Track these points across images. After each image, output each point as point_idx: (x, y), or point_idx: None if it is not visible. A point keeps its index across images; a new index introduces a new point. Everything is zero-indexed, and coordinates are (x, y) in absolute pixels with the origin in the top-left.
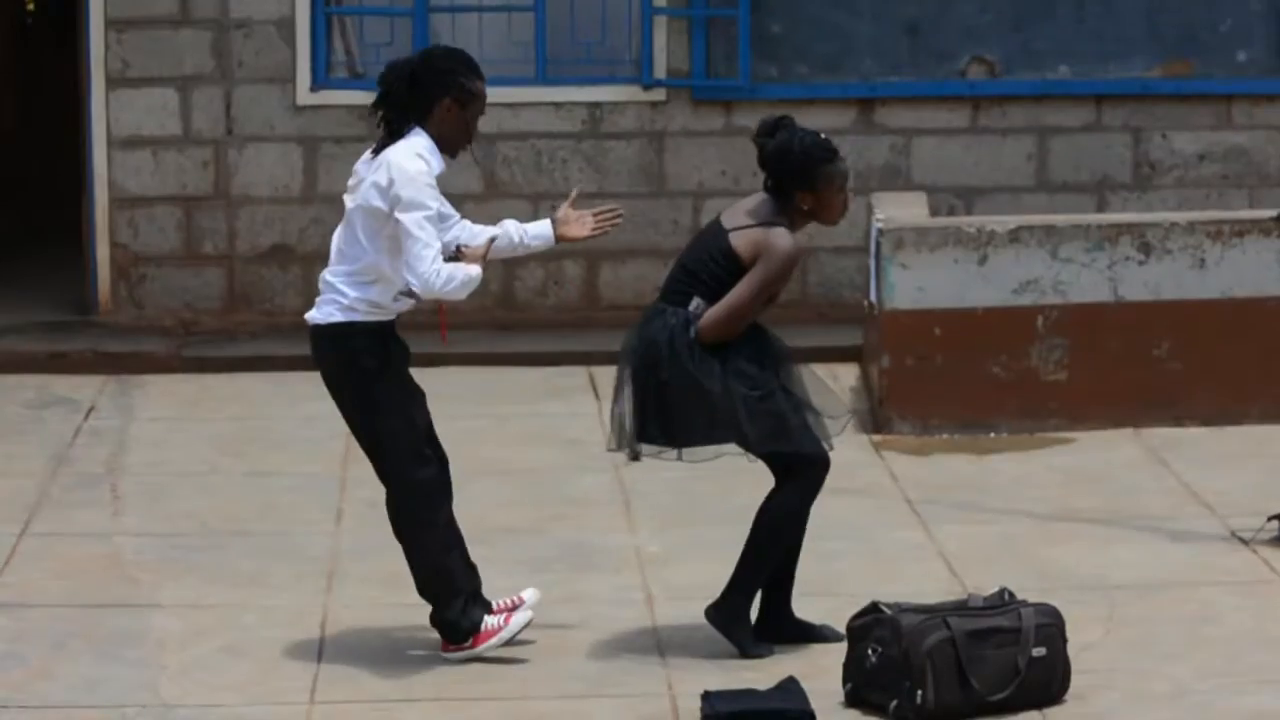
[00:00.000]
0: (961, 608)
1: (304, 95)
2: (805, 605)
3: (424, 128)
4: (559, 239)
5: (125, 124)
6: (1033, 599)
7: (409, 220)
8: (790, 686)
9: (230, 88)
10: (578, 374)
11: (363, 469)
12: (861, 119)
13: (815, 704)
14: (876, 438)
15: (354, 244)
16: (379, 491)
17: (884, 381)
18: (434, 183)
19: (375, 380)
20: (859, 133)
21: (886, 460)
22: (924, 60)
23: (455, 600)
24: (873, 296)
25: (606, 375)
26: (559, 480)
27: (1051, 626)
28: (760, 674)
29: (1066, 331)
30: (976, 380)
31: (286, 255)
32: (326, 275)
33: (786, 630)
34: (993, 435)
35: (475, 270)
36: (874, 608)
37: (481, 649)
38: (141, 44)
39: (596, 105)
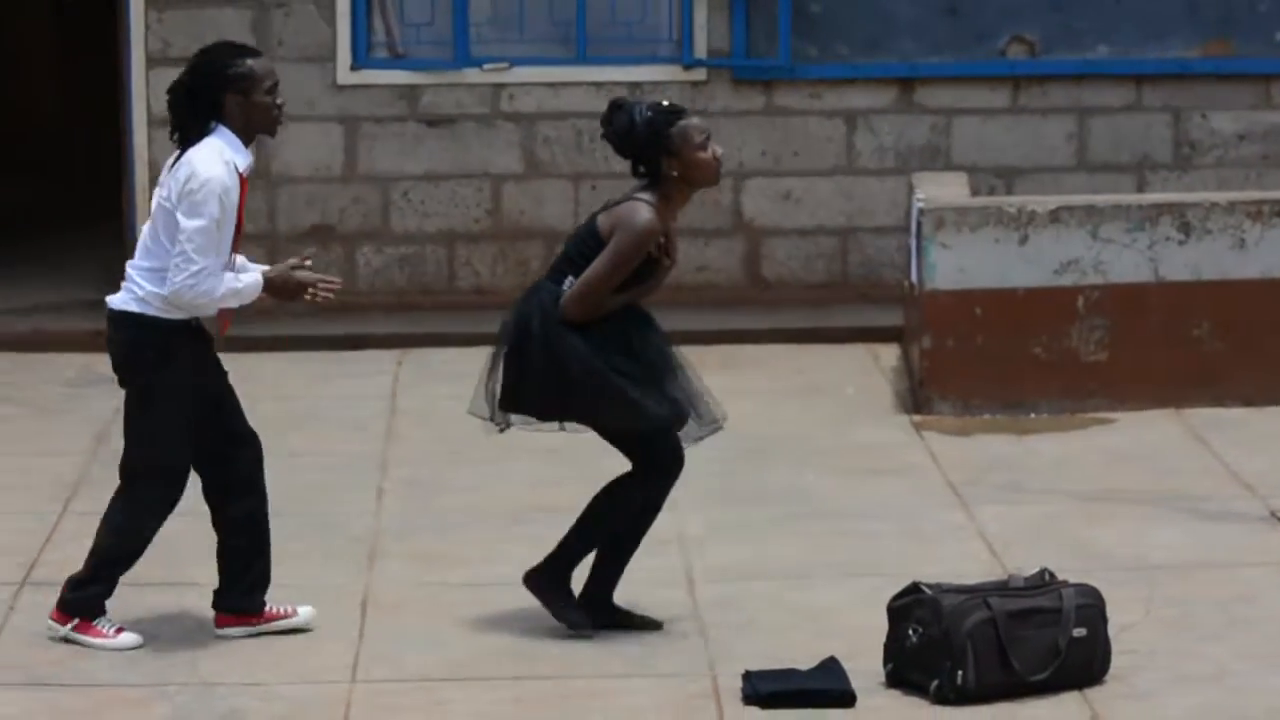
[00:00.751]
0: (1002, 588)
1: (344, 75)
2: (846, 585)
3: (224, 125)
4: (266, 292)
5: (165, 103)
6: (1073, 579)
7: (184, 223)
8: (831, 666)
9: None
10: None
11: (403, 448)
12: (902, 99)
13: (856, 684)
14: (917, 418)
15: (155, 241)
16: (419, 470)
17: (924, 362)
18: (228, 192)
19: (151, 374)
20: (899, 112)
21: (927, 441)
22: (964, 40)
23: (99, 581)
24: (913, 277)
25: None
26: (600, 460)
27: (1092, 607)
28: (801, 654)
29: (1107, 312)
30: (1017, 361)
31: (327, 235)
32: (129, 266)
33: (602, 616)
34: (1033, 416)
35: (243, 283)
36: (915, 588)
37: (77, 635)
38: (181, 23)
39: (637, 85)
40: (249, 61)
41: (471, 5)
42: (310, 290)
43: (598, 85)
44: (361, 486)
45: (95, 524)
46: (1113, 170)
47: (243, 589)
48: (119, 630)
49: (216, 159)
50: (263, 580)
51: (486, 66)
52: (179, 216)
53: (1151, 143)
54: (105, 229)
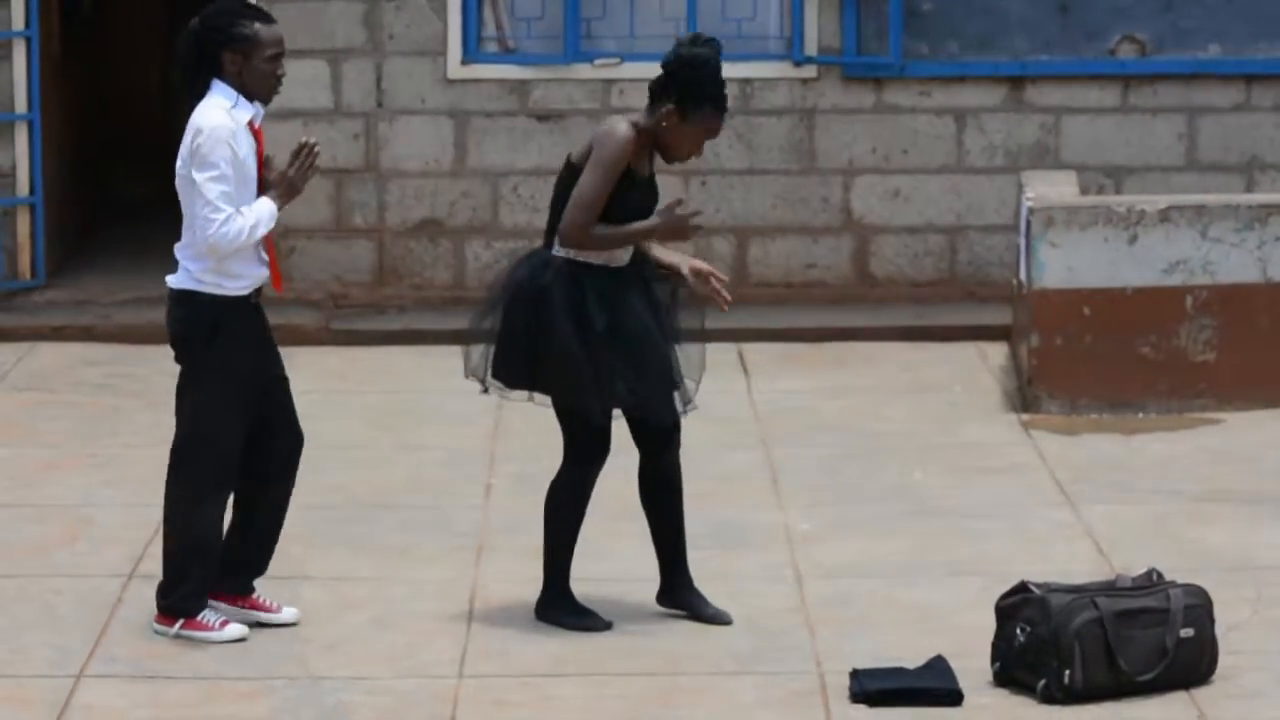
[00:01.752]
0: (1110, 588)
1: (455, 69)
2: (954, 584)
3: (224, 81)
4: (279, 199)
5: (276, 96)
6: (1180, 579)
7: (199, 178)
8: (938, 665)
9: (381, 60)
10: (727, 351)
11: (511, 443)
12: (1012, 97)
13: (963, 683)
14: (1025, 417)
15: (188, 215)
16: (527, 465)
17: (1033, 361)
18: (234, 136)
19: (201, 350)
20: (1009, 111)
21: (1035, 439)
22: (1075, 39)
23: (184, 582)
24: (1022, 275)
25: (756, 353)
26: (708, 457)
27: (1200, 607)
28: (908, 652)
29: (1215, 312)
30: (1125, 360)
31: (436, 229)
32: (176, 249)
33: (681, 598)
34: (1141, 415)
35: (255, 211)
36: (1023, 587)
37: (185, 632)
38: (293, 16)
39: (747, 82)
40: (256, 25)
41: (582, 1)
42: (301, 168)
43: None
44: (469, 481)
45: None
46: (1222, 170)
47: (230, 568)
48: (225, 623)
49: (217, 110)
50: (253, 566)
51: (597, 62)
52: (194, 175)
53: (1261, 143)
54: None
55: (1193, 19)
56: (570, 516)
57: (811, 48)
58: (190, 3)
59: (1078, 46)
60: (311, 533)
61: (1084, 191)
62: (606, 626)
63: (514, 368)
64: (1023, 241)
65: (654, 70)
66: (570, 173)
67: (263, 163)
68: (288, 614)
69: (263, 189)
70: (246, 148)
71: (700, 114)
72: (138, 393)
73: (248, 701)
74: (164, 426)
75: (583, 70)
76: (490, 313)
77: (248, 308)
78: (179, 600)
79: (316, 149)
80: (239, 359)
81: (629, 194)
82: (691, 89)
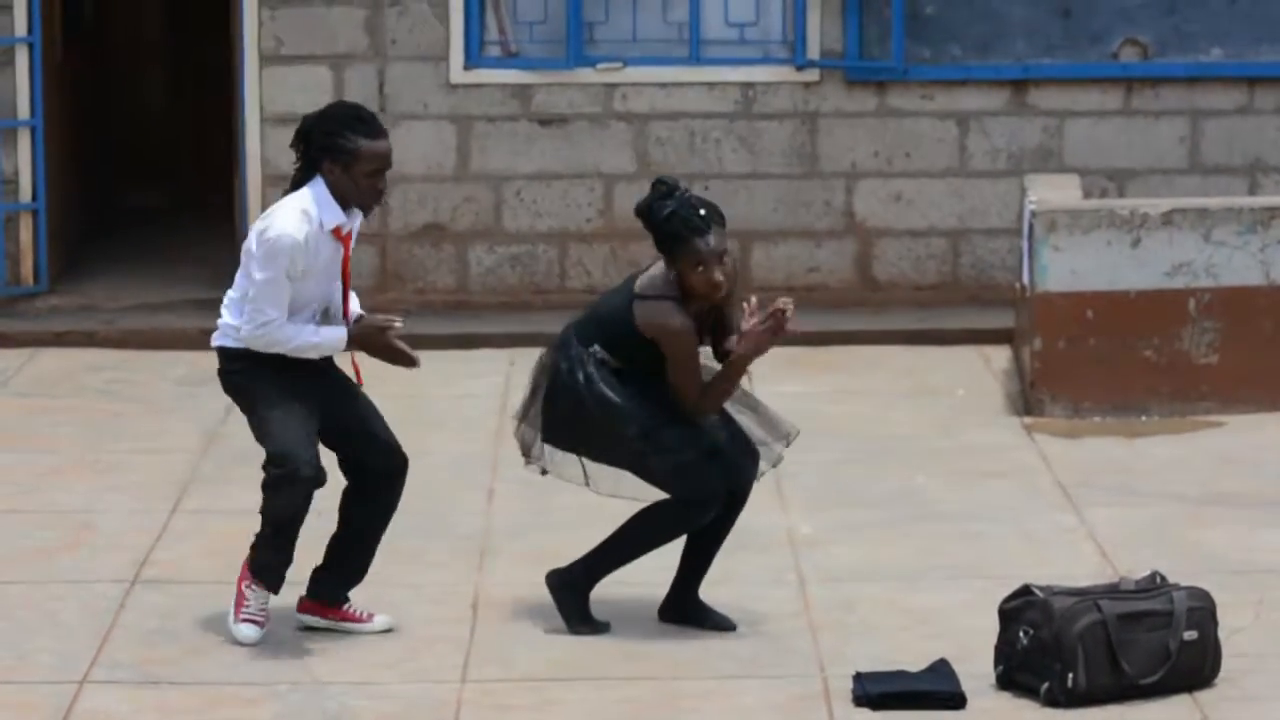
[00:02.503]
0: (1113, 591)
1: (457, 74)
2: (957, 587)
3: (324, 182)
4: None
5: (278, 101)
6: (1184, 582)
7: (255, 275)
8: (941, 668)
9: (383, 66)
10: None
11: (514, 448)
12: (1014, 100)
13: (966, 686)
14: (1028, 420)
15: (242, 272)
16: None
17: (1035, 364)
18: (298, 249)
19: (246, 393)
20: (1011, 114)
21: (1038, 443)
22: (1077, 42)
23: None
24: (1025, 279)
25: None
26: None
27: (1203, 610)
28: (912, 656)
29: (1219, 315)
30: (1128, 363)
31: (439, 234)
32: (227, 294)
33: (689, 612)
34: (1144, 418)
35: (321, 337)
36: (1026, 590)
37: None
38: (295, 21)
39: (750, 85)
40: (360, 141)
41: (585, 5)
42: (391, 350)
43: (710, 86)
44: (473, 486)
45: (206, 522)
46: (1225, 173)
47: (324, 577)
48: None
49: (297, 215)
50: (350, 580)
51: (600, 66)
52: (253, 264)
53: (1263, 146)
54: (216, 228)
55: (1195, 22)
56: (655, 545)
57: (814, 51)
58: (189, 7)
59: (1080, 50)
60: (314, 537)
61: (1087, 195)
62: (605, 629)
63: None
64: (1025, 245)
65: (656, 74)
66: (626, 324)
67: (347, 262)
68: (379, 622)
69: (346, 287)
70: (328, 253)
71: (692, 255)
72: (140, 398)
73: (251, 707)
74: (166, 433)
75: (585, 75)
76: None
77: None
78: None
79: (398, 325)
80: (276, 374)
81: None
82: (674, 242)
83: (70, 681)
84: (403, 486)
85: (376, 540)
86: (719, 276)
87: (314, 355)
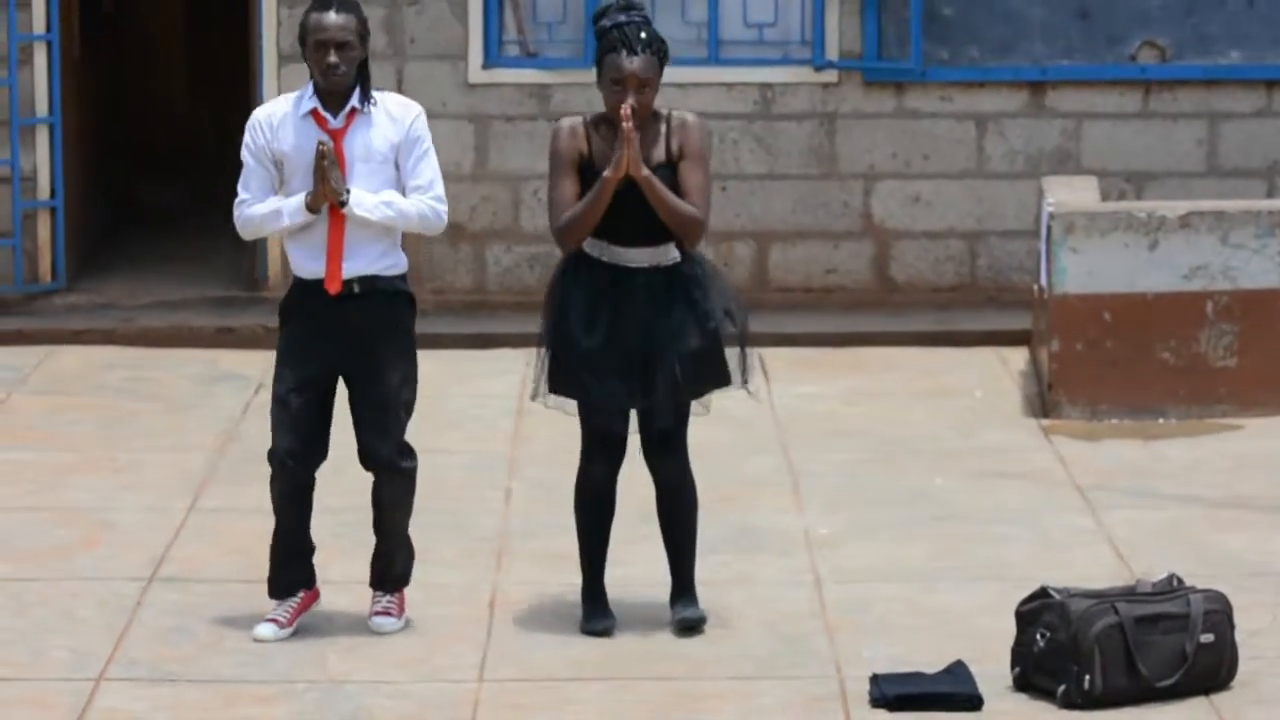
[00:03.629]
0: (1130, 593)
1: (476, 73)
2: (974, 589)
3: None
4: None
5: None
6: (1201, 585)
7: None
8: (958, 670)
9: (402, 64)
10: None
11: (531, 448)
12: (1032, 102)
13: (983, 688)
14: (1045, 422)
15: None
16: (548, 471)
17: (1053, 366)
18: (262, 127)
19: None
20: (1030, 116)
21: (1055, 445)
22: (1095, 44)
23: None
24: (1043, 281)
25: (776, 357)
26: (728, 462)
27: (1220, 613)
28: (928, 658)
29: (1236, 317)
30: (1146, 365)
31: (457, 233)
32: None
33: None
34: (1161, 421)
35: (278, 204)
36: (1043, 592)
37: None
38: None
39: (768, 86)
40: (311, 14)
41: (602, 3)
42: (319, 173)
43: (729, 86)
44: (490, 486)
45: (223, 520)
46: (1242, 175)
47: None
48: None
49: (273, 100)
50: (374, 571)
51: None
52: None
53: None
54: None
55: (1214, 24)
56: (578, 517)
57: (833, 52)
58: (209, 4)
59: (1098, 52)
60: (332, 536)
61: (1105, 197)
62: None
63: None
64: (1043, 247)
65: (674, 75)
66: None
67: (342, 161)
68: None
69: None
70: (305, 137)
71: (610, 69)
72: (158, 396)
73: (268, 705)
74: (184, 431)
75: None
76: None
77: (302, 291)
78: (271, 580)
79: (325, 148)
80: (287, 352)
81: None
82: (600, 54)
83: (87, 679)
84: (391, 489)
85: (388, 537)
86: (631, 101)
87: (285, 223)
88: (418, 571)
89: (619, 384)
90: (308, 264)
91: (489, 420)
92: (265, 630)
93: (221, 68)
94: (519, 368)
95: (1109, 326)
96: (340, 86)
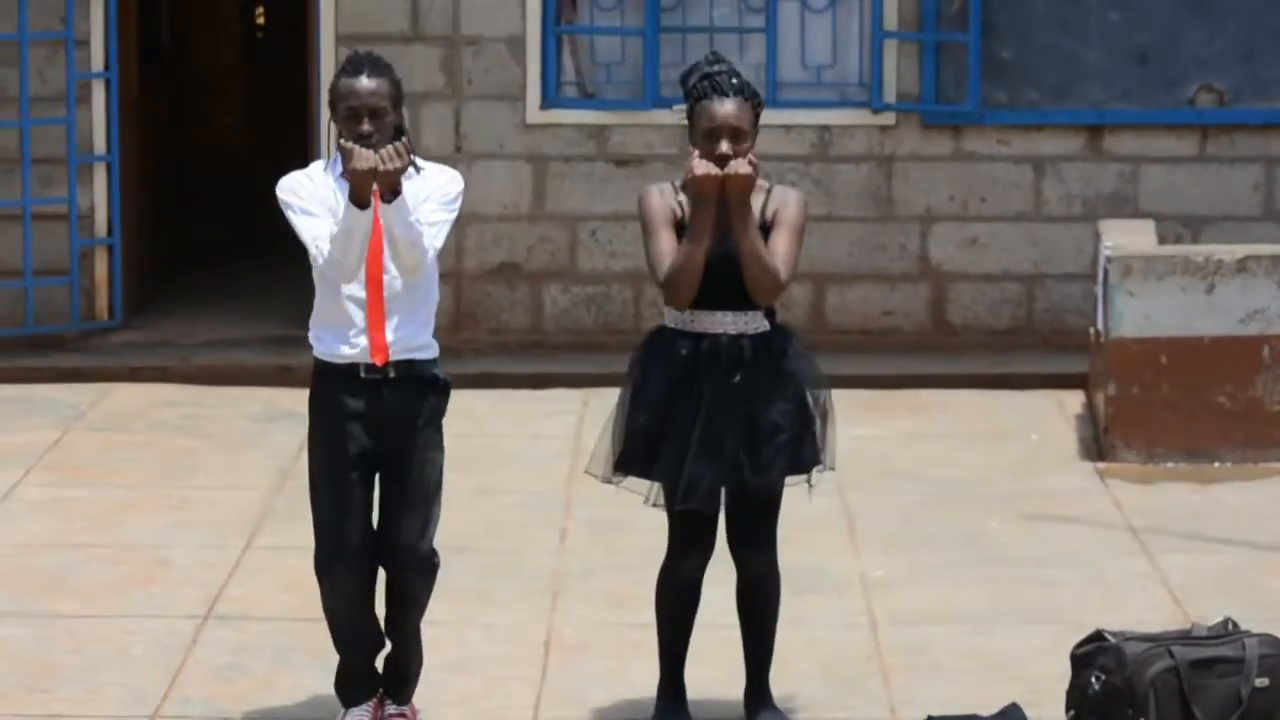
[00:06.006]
0: (1185, 637)
1: (534, 114)
2: (1029, 632)
3: None
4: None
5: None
6: (1256, 629)
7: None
8: (1013, 713)
9: (460, 105)
10: None
11: (587, 488)
12: (1090, 146)
13: None
14: (1101, 465)
15: None
16: (603, 511)
17: (1109, 409)
18: (297, 181)
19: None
20: (1087, 159)
21: (1110, 488)
22: (1153, 88)
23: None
24: (1099, 324)
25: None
26: (784, 503)
27: (1275, 657)
28: (983, 700)
29: None
30: (1202, 409)
31: (514, 273)
32: None
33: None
34: (1217, 465)
35: (337, 232)
36: (1098, 635)
37: None
38: None
39: (826, 128)
40: (341, 79)
41: (662, 46)
42: (374, 161)
43: (786, 128)
44: (545, 526)
45: (279, 559)
46: None
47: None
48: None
49: (301, 171)
50: (387, 675)
51: (676, 107)
52: None
53: None
54: (293, 264)
55: (1272, 69)
56: (660, 611)
57: (890, 95)
58: (267, 45)
59: (1156, 96)
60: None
61: (1161, 241)
62: None
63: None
64: (1100, 290)
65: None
66: None
67: (378, 230)
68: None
69: (376, 256)
70: (318, 194)
71: (703, 116)
72: (215, 435)
73: None
74: (240, 469)
75: (661, 116)
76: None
77: (336, 374)
78: (338, 687)
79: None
80: (326, 428)
81: None
82: (692, 102)
83: (142, 717)
84: (423, 583)
85: (407, 637)
86: (725, 148)
87: (356, 238)
88: (474, 611)
89: (705, 463)
90: (337, 342)
91: (544, 460)
92: None
93: (280, 106)
94: (575, 407)
95: (1165, 370)
96: None
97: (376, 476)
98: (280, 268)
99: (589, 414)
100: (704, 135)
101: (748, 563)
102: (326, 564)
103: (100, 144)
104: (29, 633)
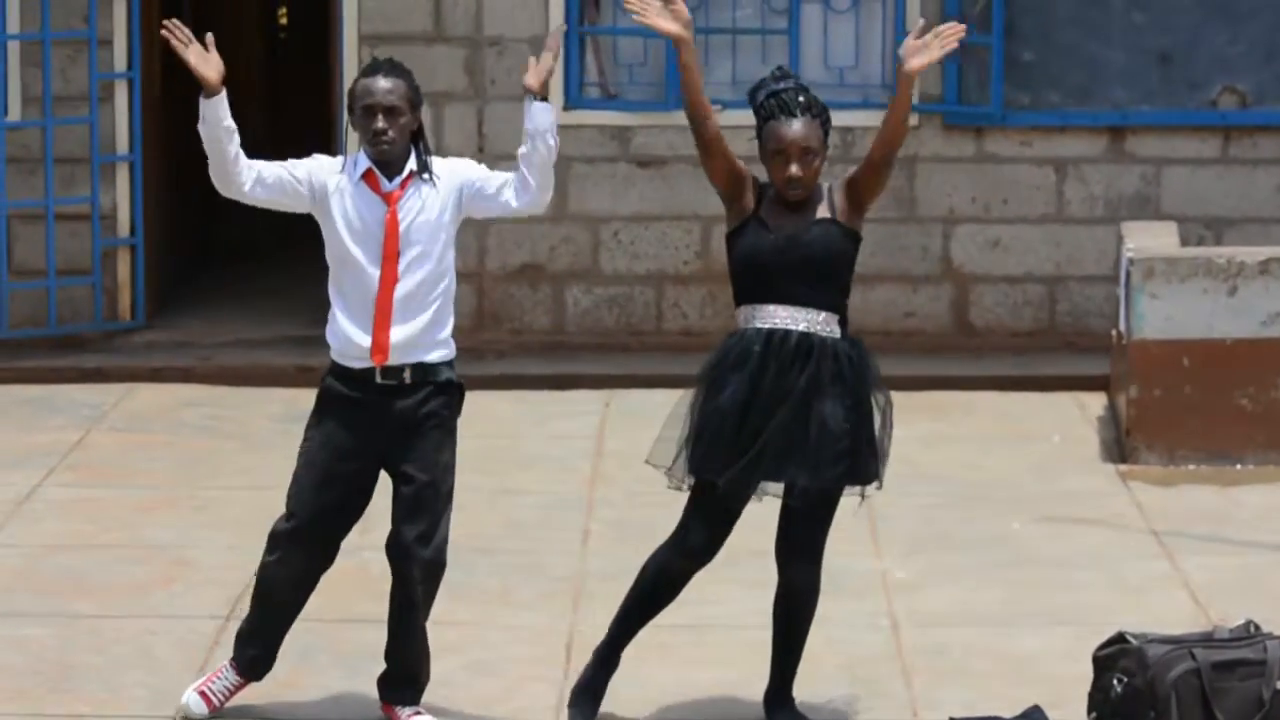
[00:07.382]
0: (1207, 639)
1: (557, 114)
2: (1051, 633)
3: None
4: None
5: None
6: (1278, 631)
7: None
8: (1034, 715)
9: (482, 105)
10: None
11: (609, 490)
12: (1112, 147)
13: None
14: (1123, 467)
15: None
16: (625, 512)
17: (1131, 411)
18: (315, 163)
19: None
20: (1109, 161)
21: (1132, 490)
22: (1175, 89)
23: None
24: (1121, 326)
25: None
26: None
27: None
28: (1005, 702)
29: None
30: (1224, 411)
31: (536, 274)
32: None
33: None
34: (1239, 467)
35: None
36: (1120, 638)
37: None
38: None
39: (849, 129)
40: (359, 80)
41: None
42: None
43: None
44: (567, 527)
45: None
46: None
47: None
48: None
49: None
50: (390, 676)
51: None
52: None
53: None
54: (311, 264)
55: None
56: (635, 590)
57: (913, 96)
58: (290, 43)
59: (1178, 97)
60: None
61: (1184, 242)
62: None
63: None
64: (1122, 292)
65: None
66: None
67: (394, 234)
68: None
69: (390, 257)
70: (362, 209)
71: (772, 138)
72: (237, 435)
73: None
74: (263, 469)
75: (684, 117)
76: None
77: (358, 379)
78: (237, 657)
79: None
80: (319, 427)
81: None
82: (761, 122)
83: (164, 717)
84: (425, 587)
85: (414, 638)
86: (795, 170)
87: (216, 132)
88: (496, 612)
89: (754, 461)
90: (345, 342)
91: (567, 461)
92: (192, 701)
93: (302, 105)
94: (597, 409)
95: (1187, 372)
96: (390, 157)
97: (380, 479)
98: (301, 268)
99: (611, 415)
100: (772, 156)
101: (793, 573)
102: (285, 538)
103: (123, 144)
104: (51, 633)
